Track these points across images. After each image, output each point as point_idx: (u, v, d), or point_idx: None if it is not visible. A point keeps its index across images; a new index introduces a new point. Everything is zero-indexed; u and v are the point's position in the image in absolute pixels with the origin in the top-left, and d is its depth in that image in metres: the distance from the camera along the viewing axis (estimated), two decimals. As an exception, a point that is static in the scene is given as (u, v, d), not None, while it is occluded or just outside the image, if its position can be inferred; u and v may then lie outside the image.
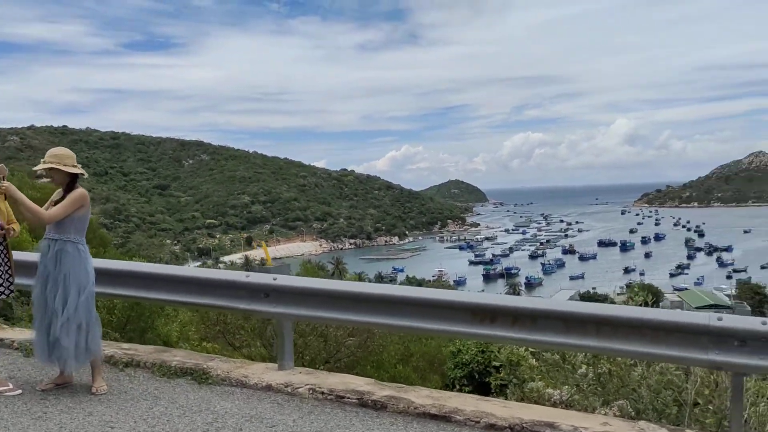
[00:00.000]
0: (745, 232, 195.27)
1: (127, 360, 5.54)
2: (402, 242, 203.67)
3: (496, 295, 4.52)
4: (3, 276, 4.77)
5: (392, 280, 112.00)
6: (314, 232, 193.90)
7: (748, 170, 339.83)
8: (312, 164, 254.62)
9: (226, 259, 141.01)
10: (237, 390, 4.95)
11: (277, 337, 5.37)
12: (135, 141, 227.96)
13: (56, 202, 4.64)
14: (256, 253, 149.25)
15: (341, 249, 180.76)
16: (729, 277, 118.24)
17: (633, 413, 6.59)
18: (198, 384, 5.07)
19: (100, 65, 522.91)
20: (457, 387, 13.91)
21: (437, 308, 4.58)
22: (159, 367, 5.37)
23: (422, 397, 4.71)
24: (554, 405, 6.73)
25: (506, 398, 7.87)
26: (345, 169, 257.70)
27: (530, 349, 8.07)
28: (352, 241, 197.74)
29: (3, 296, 4.81)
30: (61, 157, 4.62)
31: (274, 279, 5.08)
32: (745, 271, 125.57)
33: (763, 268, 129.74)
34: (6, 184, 4.49)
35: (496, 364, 15.09)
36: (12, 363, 5.53)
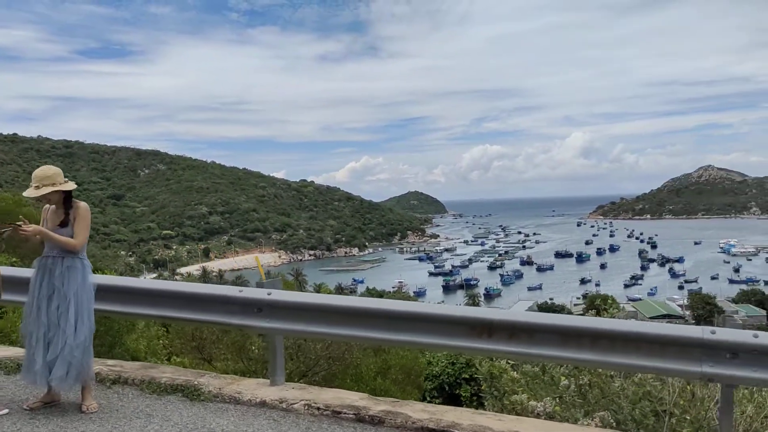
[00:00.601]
0: (696, 243, 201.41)
1: (114, 377, 5.42)
2: (362, 253, 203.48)
3: (494, 309, 4.58)
4: None
5: (352, 292, 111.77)
6: (273, 243, 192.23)
7: (697, 183, 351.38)
8: (271, 175, 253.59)
9: (183, 270, 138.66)
10: (230, 407, 4.89)
11: (269, 352, 5.33)
12: (89, 150, 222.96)
13: (63, 222, 4.56)
14: (213, 265, 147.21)
15: (301, 260, 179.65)
16: (681, 287, 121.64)
17: (614, 424, 6.75)
18: (190, 401, 4.99)
19: (53, 72, 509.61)
20: (428, 399, 13.97)
21: (435, 323, 4.62)
22: (148, 384, 5.26)
23: (418, 411, 4.74)
24: (537, 417, 6.83)
25: (484, 410, 7.95)
26: (304, 180, 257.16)
27: (510, 361, 8.16)
28: (311, 252, 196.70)
29: None
30: (53, 178, 4.55)
31: (269, 294, 5.05)
32: (696, 281, 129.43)
33: (713, 278, 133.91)
34: (31, 227, 4.44)
35: (466, 376, 15.24)
36: (-7, 381, 5.36)
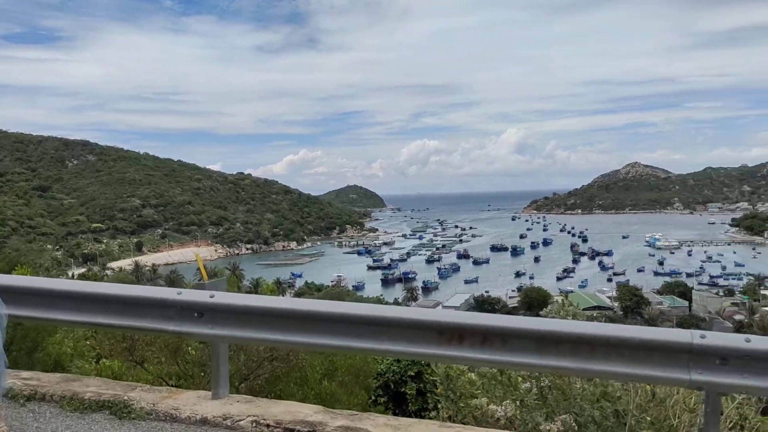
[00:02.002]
0: (624, 237, 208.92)
1: (29, 392, 4.72)
2: (300, 247, 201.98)
3: (465, 313, 4.15)
4: None
5: (290, 286, 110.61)
6: (209, 237, 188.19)
7: (625, 180, 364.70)
8: (207, 167, 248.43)
9: (114, 265, 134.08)
10: (167, 426, 4.30)
11: (211, 361, 4.76)
12: (12, 139, 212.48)
13: None
14: (146, 259, 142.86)
15: (238, 254, 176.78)
16: (610, 279, 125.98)
17: (576, 427, 6.48)
18: (119, 420, 4.37)
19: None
20: (373, 398, 13.58)
21: (399, 328, 4.16)
22: (69, 401, 4.60)
23: (380, 425, 4.28)
24: (497, 421, 6.50)
25: (438, 412, 7.60)
26: (242, 173, 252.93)
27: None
28: (249, 246, 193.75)
29: None
30: None
31: (211, 296, 4.47)
32: (623, 274, 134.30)
33: (639, 271, 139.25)
34: None
35: (412, 373, 14.91)
36: None
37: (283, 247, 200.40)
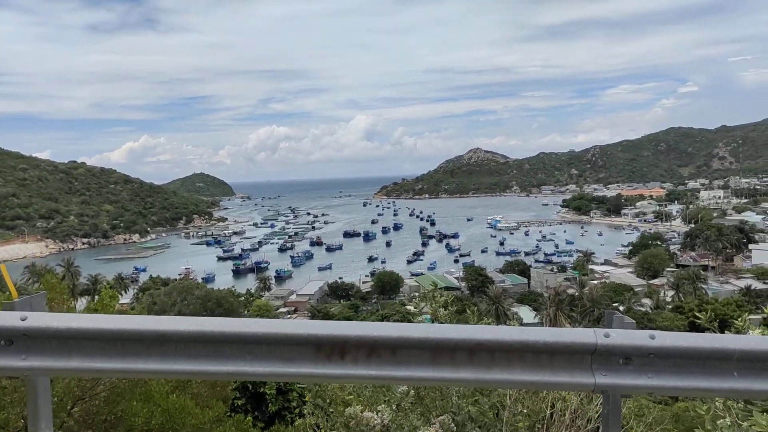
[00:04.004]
0: (468, 220, 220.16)
1: None
2: (144, 240, 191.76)
3: (346, 323, 3.57)
4: None
5: (134, 281, 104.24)
6: (39, 231, 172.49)
7: (468, 165, 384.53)
8: (34, 155, 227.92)
9: None
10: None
11: (28, 399, 3.77)
12: None
13: None
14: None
15: (72, 249, 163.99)
16: (457, 261, 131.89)
17: (454, 428, 6.18)
18: None
19: None
20: (231, 402, 12.67)
21: (269, 344, 3.48)
22: None
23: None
24: (372, 429, 6.03)
25: (303, 418, 7.03)
26: (75, 161, 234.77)
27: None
28: (85, 240, 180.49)
29: None
30: None
31: (23, 319, 3.49)
32: (469, 255, 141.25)
33: (483, 252, 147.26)
34: None
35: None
36: None
37: (125, 240, 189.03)
